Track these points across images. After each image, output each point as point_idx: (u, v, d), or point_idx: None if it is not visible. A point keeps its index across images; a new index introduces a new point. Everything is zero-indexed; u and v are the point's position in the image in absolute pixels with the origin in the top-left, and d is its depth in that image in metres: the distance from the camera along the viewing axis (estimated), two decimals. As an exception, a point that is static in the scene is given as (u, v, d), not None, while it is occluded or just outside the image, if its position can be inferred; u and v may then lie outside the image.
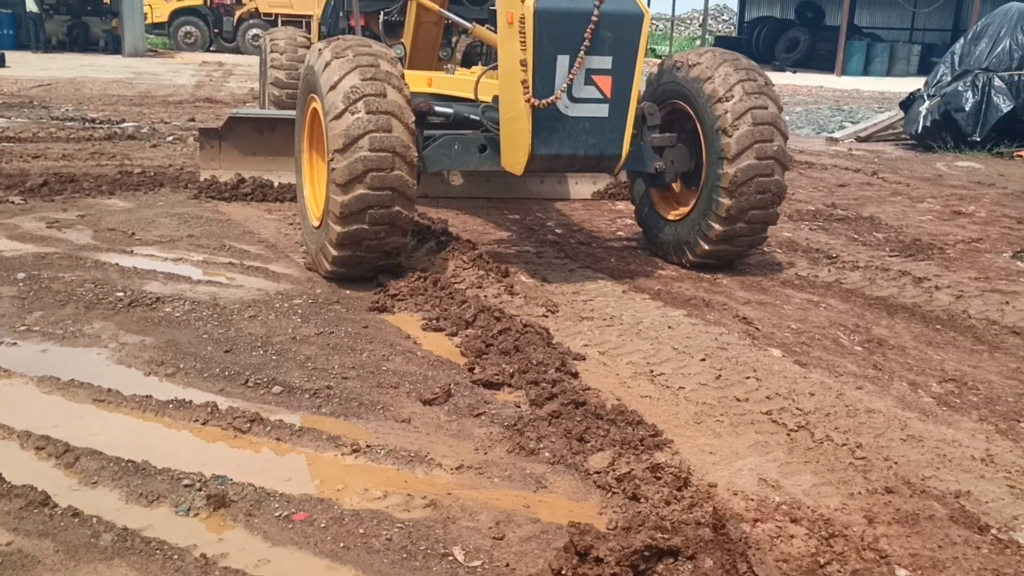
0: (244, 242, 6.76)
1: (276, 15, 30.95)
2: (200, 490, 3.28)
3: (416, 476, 3.52)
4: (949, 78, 14.71)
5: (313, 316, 5.23)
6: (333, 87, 5.37)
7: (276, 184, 8.29)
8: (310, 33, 10.78)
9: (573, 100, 5.47)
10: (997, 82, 14.17)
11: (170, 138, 11.64)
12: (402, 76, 5.55)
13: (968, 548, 3.17)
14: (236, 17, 31.78)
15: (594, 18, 5.30)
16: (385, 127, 5.29)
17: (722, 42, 38.80)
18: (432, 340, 4.98)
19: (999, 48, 14.42)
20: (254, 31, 31.30)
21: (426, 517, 3.22)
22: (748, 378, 4.60)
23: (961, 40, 15.45)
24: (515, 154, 5.66)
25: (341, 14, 9.26)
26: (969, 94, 14.27)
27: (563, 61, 5.35)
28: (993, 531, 3.28)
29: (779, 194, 6.20)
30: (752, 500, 3.41)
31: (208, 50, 31.83)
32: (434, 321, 5.19)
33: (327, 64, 5.51)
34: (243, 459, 3.60)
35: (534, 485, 3.49)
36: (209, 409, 3.90)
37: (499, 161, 5.92)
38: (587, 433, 3.83)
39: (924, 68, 28.70)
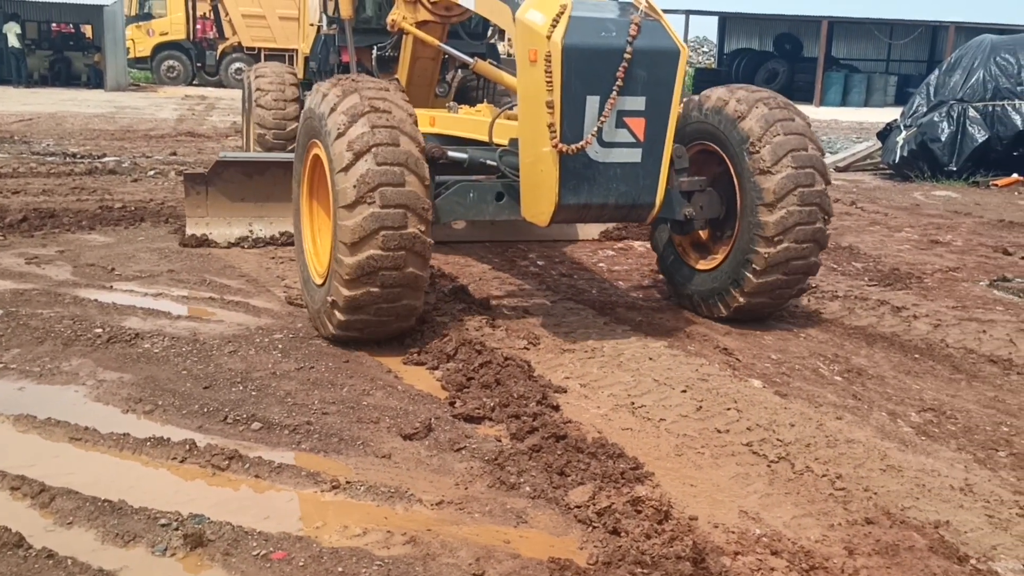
0: (225, 276, 6.74)
1: (259, 49, 31.01)
2: (177, 529, 3.24)
3: (396, 512, 3.50)
4: (925, 108, 14.92)
5: (293, 351, 5.21)
6: (340, 134, 4.93)
7: (268, 235, 7.79)
8: (294, 68, 10.39)
9: (604, 145, 5.07)
10: (972, 112, 14.38)
11: (151, 172, 11.64)
12: (415, 122, 5.13)
13: (948, 579, 3.17)
14: (219, 51, 31.86)
15: (627, 55, 4.91)
16: (397, 180, 4.84)
17: (702, 74, 39.22)
18: (413, 374, 4.97)
19: (973, 79, 14.65)
20: (237, 65, 31.38)
21: (406, 554, 3.19)
22: (729, 409, 4.61)
23: (936, 71, 15.70)
24: (538, 203, 5.23)
25: (332, 49, 8.78)
26: (945, 124, 14.47)
27: (593, 102, 4.96)
28: (972, 561, 3.29)
29: (821, 243, 5.76)
30: (733, 533, 3.41)
31: (191, 84, 31.91)
32: (415, 355, 5.18)
33: (333, 108, 5.06)
34: (221, 497, 3.57)
35: (515, 520, 3.47)
36: (187, 447, 3.87)
37: (518, 210, 5.46)
38: (568, 467, 3.83)
39: (901, 99, 29.12)
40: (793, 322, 6.28)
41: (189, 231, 7.66)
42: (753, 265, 5.70)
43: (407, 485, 3.69)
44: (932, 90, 15.15)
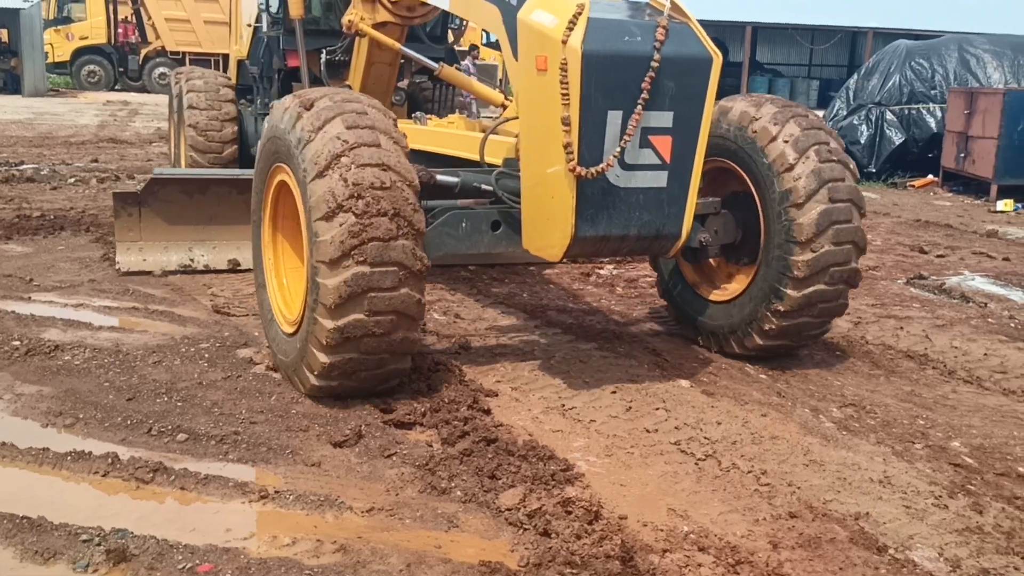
0: (149, 286, 6.60)
1: (184, 54, 30.43)
2: (99, 545, 3.17)
3: (326, 520, 3.47)
4: (845, 112, 15.35)
5: (220, 360, 5.13)
6: (320, 175, 4.17)
7: (212, 263, 6.96)
8: (228, 76, 9.68)
9: (626, 167, 4.42)
10: (889, 115, 14.84)
11: (71, 180, 11.33)
12: (407, 153, 4.41)
13: (868, 569, 3.27)
14: (142, 55, 31.15)
15: (654, 63, 4.29)
16: (389, 233, 4.13)
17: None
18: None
19: (890, 83, 15.12)
20: (161, 70, 30.75)
21: (336, 562, 3.17)
22: (657, 409, 4.68)
23: (855, 76, 16.15)
24: (548, 235, 4.58)
25: (276, 53, 7.99)
26: (863, 127, 14.91)
27: (615, 118, 4.33)
28: (891, 551, 3.39)
29: (853, 283, 5.22)
30: (661, 531, 3.46)
31: (113, 89, 31.12)
32: (345, 362, 5.15)
33: (308, 138, 4.29)
34: (145, 511, 3.50)
35: (446, 525, 3.47)
36: (110, 460, 3.79)
37: (518, 241, 4.83)
38: (499, 470, 3.84)
39: (823, 102, 29.83)
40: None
41: (120, 259, 6.81)
42: (777, 305, 5.10)
43: (337, 493, 3.67)
44: (851, 94, 15.59)
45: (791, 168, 5.01)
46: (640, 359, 5.46)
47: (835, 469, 4.06)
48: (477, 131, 5.88)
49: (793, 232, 4.99)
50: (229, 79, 9.34)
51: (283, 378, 4.77)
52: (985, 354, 5.90)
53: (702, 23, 4.65)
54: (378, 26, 6.53)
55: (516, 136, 5.00)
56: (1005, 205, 12.43)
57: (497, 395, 4.78)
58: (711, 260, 5.59)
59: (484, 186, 5.05)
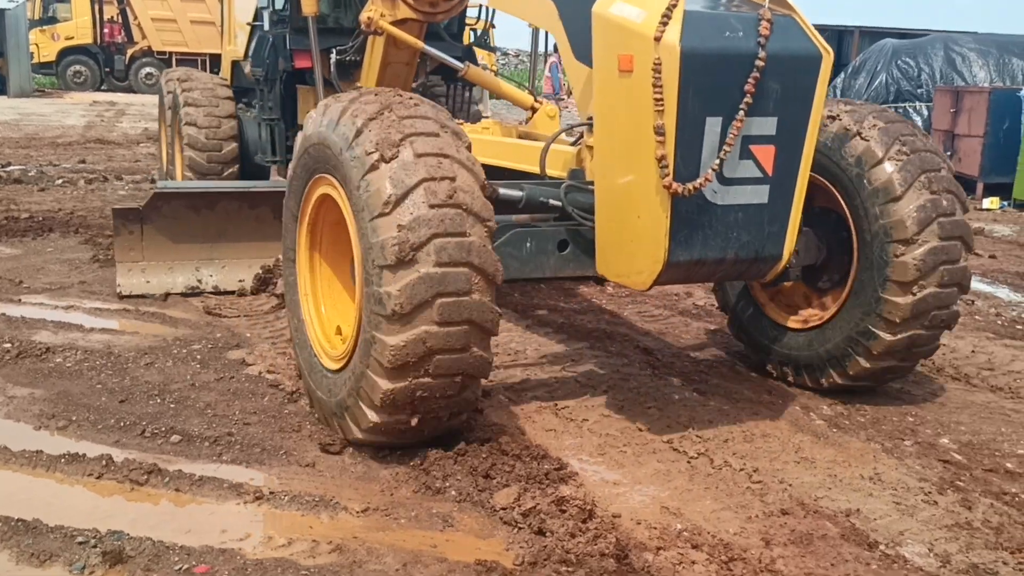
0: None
1: (170, 53, 30.29)
2: (95, 547, 3.17)
3: (321, 521, 3.48)
4: (832, 111, 15.41)
5: (213, 361, 5.13)
6: (374, 167, 3.64)
7: (222, 284, 6.49)
8: (209, 72, 9.72)
9: (724, 182, 3.96)
10: (876, 114, 14.90)
11: (59, 181, 11.29)
12: (470, 147, 3.89)
13: (859, 565, 3.31)
14: (128, 55, 31.00)
15: (759, 62, 3.83)
16: (457, 228, 3.59)
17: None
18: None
19: (876, 82, 15.21)
20: (147, 70, 30.62)
21: (332, 563, 3.18)
22: (650, 408, 4.70)
23: (842, 74, 16.23)
24: (633, 260, 4.09)
25: (281, 53, 7.41)
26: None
27: (714, 126, 3.86)
28: (881, 547, 3.43)
29: (951, 326, 4.75)
30: (655, 528, 3.49)
31: (99, 89, 30.95)
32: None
33: (357, 132, 3.75)
34: (140, 512, 3.50)
35: (441, 524, 3.49)
36: (104, 462, 3.78)
37: (591, 264, 4.35)
38: (492, 470, 3.86)
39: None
40: (711, 320, 6.42)
41: (122, 281, 6.28)
42: (867, 346, 4.62)
43: (332, 493, 3.68)
44: (838, 93, 15.67)
45: (897, 199, 4.46)
46: (631, 358, 5.49)
47: (826, 466, 4.10)
48: (514, 137, 5.58)
49: (893, 270, 4.47)
50: (225, 80, 8.96)
51: (320, 420, 4.27)
52: (972, 351, 5.95)
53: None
54: (398, 23, 6.09)
55: (575, 144, 4.63)
56: (991, 203, 12.52)
57: (490, 395, 4.79)
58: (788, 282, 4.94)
59: (552, 201, 4.41)
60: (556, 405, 4.70)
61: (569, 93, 22.18)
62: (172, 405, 4.49)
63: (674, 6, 3.76)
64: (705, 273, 4.29)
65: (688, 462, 4.10)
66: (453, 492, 3.72)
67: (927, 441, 4.43)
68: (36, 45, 30.53)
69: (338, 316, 4.39)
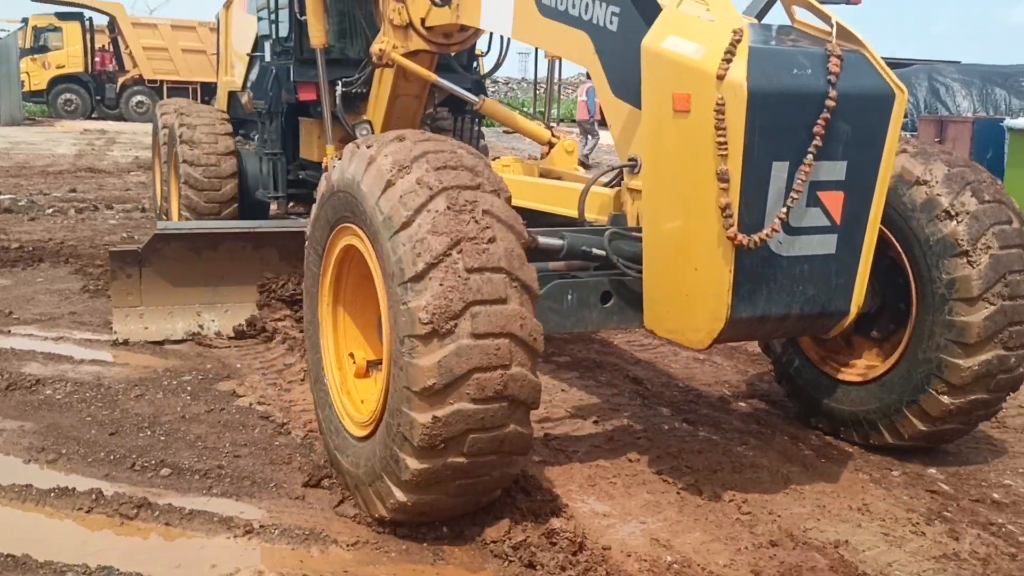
0: (130, 318, 6.59)
1: (161, 82, 30.47)
2: (85, 582, 3.17)
3: (312, 555, 3.48)
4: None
5: (203, 393, 5.13)
6: (406, 224, 3.28)
7: (225, 330, 6.19)
8: (221, 108, 8.87)
9: (790, 231, 3.66)
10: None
11: (49, 210, 11.30)
12: (510, 199, 3.51)
13: (848, 596, 3.32)
14: (119, 84, 31.15)
15: (829, 102, 3.54)
16: (496, 295, 3.24)
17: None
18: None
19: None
20: (138, 98, 30.74)
21: (322, 597, 3.18)
22: (639, 438, 4.72)
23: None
24: (689, 316, 3.79)
25: (284, 85, 7.12)
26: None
27: (780, 171, 3.57)
28: (870, 578, 3.44)
29: (1016, 387, 4.47)
30: (645, 561, 3.50)
31: (90, 117, 31.03)
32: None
33: (387, 184, 3.41)
34: (130, 547, 3.50)
35: (432, 558, 3.50)
36: (93, 496, 3.78)
37: (636, 317, 4.05)
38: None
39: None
40: (699, 350, 6.45)
41: (118, 327, 5.98)
42: (925, 407, 4.33)
43: (322, 526, 3.68)
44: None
45: (964, 254, 4.17)
46: (621, 388, 5.51)
47: (815, 497, 4.12)
48: (536, 175, 5.42)
49: (957, 331, 4.18)
50: (226, 115, 8.68)
51: (345, 488, 3.90)
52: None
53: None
54: (410, 55, 5.92)
55: (612, 185, 4.38)
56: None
57: (480, 426, 4.80)
58: None
59: (595, 250, 4.02)
60: (546, 436, 4.72)
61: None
62: (162, 437, 4.49)
63: (738, 41, 3.46)
64: (768, 330, 4.01)
65: (678, 493, 4.11)
66: (444, 525, 3.72)
67: (914, 471, 4.46)
68: (27, 74, 30.64)
69: (367, 379, 4.11)
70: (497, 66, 7.01)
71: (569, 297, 4.01)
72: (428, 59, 6.04)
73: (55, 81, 31.14)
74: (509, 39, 6.37)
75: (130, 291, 6.00)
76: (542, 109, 7.71)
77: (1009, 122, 13.55)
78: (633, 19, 3.96)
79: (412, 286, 3.22)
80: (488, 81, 7.91)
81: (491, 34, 6.34)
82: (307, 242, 4.20)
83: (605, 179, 4.60)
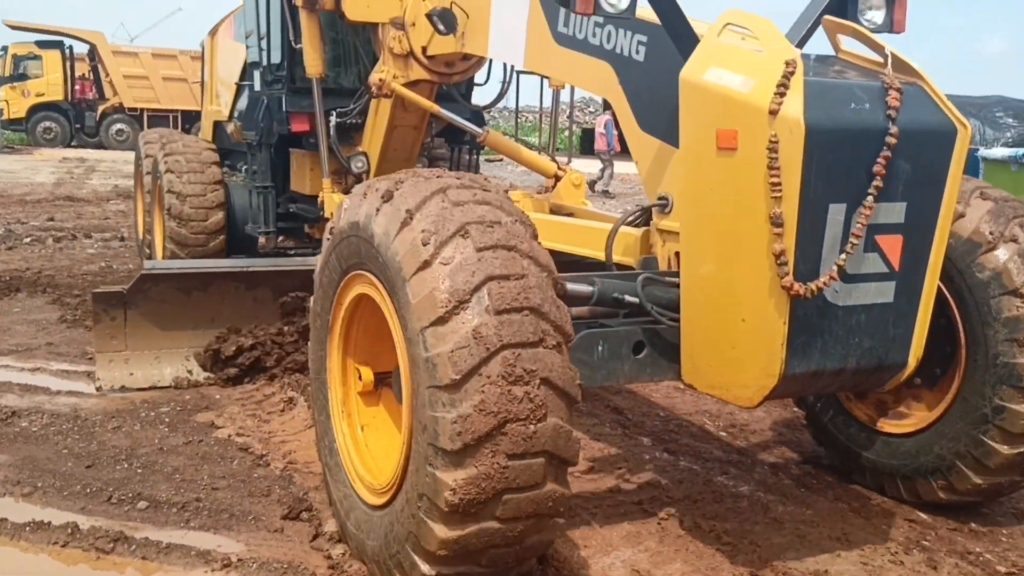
0: (107, 348, 6.54)
1: (142, 110, 30.45)
2: (59, 619, 3.13)
3: (290, 589, 3.45)
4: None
5: (181, 424, 5.10)
6: (426, 265, 3.00)
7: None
8: (206, 138, 8.64)
9: (847, 279, 3.38)
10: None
11: (27, 239, 11.23)
12: (535, 235, 3.21)
13: (828, 627, 3.32)
14: (99, 112, 31.10)
15: (890, 139, 3.28)
16: (531, 338, 2.94)
17: (587, 133, 40.36)
18: (308, 435, 4.93)
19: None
20: (118, 126, 30.70)
21: (301, 632, 3.15)
22: (620, 468, 4.72)
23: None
24: (736, 372, 3.49)
25: (275, 116, 6.87)
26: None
27: (837, 214, 3.30)
28: (850, 608, 3.45)
29: None
30: (625, 592, 3.49)
31: (69, 146, 30.94)
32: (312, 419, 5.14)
33: (402, 223, 3.12)
34: (106, 582, 3.46)
35: (411, 591, 3.47)
36: (69, 530, 3.74)
37: (672, 369, 3.75)
38: (463, 533, 3.82)
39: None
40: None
41: (101, 375, 5.61)
42: (979, 459, 4.05)
43: (300, 559, 3.65)
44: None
45: (1015, 291, 3.93)
46: (602, 417, 5.52)
47: (794, 527, 4.13)
48: (546, 211, 5.17)
49: (1013, 375, 3.92)
50: (211, 143, 8.44)
51: (354, 556, 3.61)
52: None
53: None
54: (409, 84, 5.72)
55: (638, 225, 4.04)
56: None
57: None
58: None
59: (628, 297, 3.66)
60: (527, 466, 4.70)
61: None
62: (139, 470, 4.45)
63: (791, 73, 3.20)
64: (821, 386, 3.67)
65: (658, 523, 4.11)
66: None
67: (893, 501, 4.48)
68: (6, 101, 30.56)
69: (380, 438, 3.79)
70: (500, 96, 6.68)
71: (600, 348, 3.64)
72: (428, 89, 5.85)
73: (34, 109, 31.04)
74: (512, 69, 6.32)
75: (114, 335, 5.68)
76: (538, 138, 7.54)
77: (983, 152, 13.76)
78: (663, 49, 3.73)
79: (435, 331, 2.91)
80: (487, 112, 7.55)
81: (490, 63, 6.23)
82: (314, 292, 3.88)
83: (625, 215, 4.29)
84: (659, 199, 3.84)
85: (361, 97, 6.12)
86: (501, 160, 23.98)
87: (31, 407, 5.23)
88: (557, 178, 6.00)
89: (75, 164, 23.91)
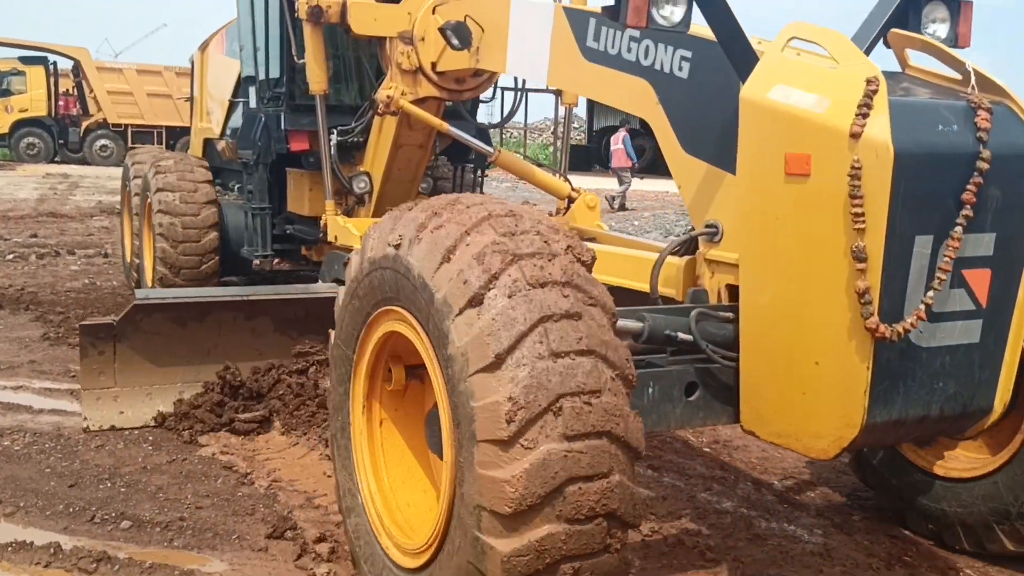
0: (91, 366, 6.51)
1: (126, 126, 30.41)
2: (41, 640, 3.11)
3: (274, 608, 3.45)
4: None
5: (165, 443, 5.08)
6: (474, 301, 2.68)
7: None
8: (166, 146, 9.06)
9: (932, 318, 3.07)
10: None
11: (10, 256, 11.18)
12: (590, 267, 2.90)
13: (810, 643, 3.34)
14: (83, 128, 31.03)
15: (981, 164, 3.02)
16: (590, 385, 2.63)
17: (574, 150, 40.52)
18: (292, 453, 4.92)
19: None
20: (102, 142, 30.63)
21: (285, 652, 3.15)
22: (604, 485, 4.73)
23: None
24: (809, 419, 3.14)
25: (274, 134, 6.57)
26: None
27: (923, 246, 3.01)
28: (832, 624, 3.47)
29: None
30: (610, 610, 3.49)
31: (52, 161, 30.84)
32: (296, 436, 5.13)
33: (447, 253, 2.81)
34: (89, 603, 3.44)
35: (395, 609, 3.47)
36: (52, 550, 3.72)
37: (728, 413, 3.41)
38: (448, 552, 3.81)
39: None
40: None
41: (89, 414, 5.18)
42: None
43: (285, 579, 3.65)
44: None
45: None
46: (586, 434, 5.53)
47: (777, 543, 4.16)
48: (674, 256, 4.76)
49: None
50: (204, 163, 8.12)
51: None
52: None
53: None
54: (417, 102, 5.53)
55: (681, 253, 3.70)
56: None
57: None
58: None
59: (681, 334, 3.30)
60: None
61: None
62: (123, 489, 4.44)
63: (874, 92, 2.92)
64: (901, 435, 3.41)
65: (642, 540, 4.13)
66: None
67: (875, 516, 4.52)
68: (-12, 117, 30.45)
69: (412, 491, 3.44)
70: (511, 115, 6.36)
71: (650, 390, 3.29)
72: (435, 106, 5.65)
73: (18, 125, 30.95)
74: (524, 85, 6.11)
75: (102, 370, 5.21)
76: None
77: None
78: (711, 65, 3.48)
79: (484, 377, 2.59)
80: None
81: (496, 80, 6.02)
82: (336, 330, 3.55)
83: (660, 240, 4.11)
84: (707, 226, 3.52)
85: (364, 114, 5.89)
86: (500, 179, 24.01)
87: (13, 426, 5.20)
88: (571, 199, 5.78)
89: (58, 180, 23.83)
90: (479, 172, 7.37)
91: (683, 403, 3.33)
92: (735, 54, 3.32)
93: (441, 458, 2.94)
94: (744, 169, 3.26)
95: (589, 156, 38.24)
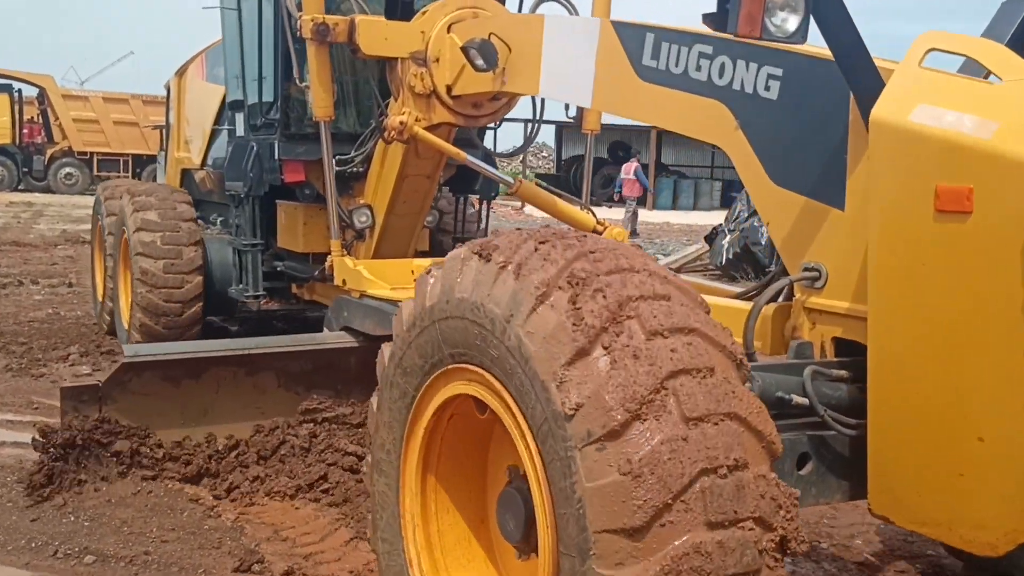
0: (54, 398, 6.37)
1: (92, 154, 30.19)
2: None
3: (241, 643, 3.41)
4: (746, 213, 16.03)
5: (130, 474, 5.00)
6: (580, 355, 2.22)
7: None
8: (132, 175, 8.79)
9: None
10: (788, 217, 15.53)
11: (-28, 286, 11.03)
12: (710, 311, 2.50)
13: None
14: (47, 156, 30.74)
15: None
16: (733, 460, 2.18)
17: (541, 178, 40.80)
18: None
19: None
20: (67, 170, 30.35)
21: None
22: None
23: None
24: (969, 507, 2.58)
25: (266, 163, 6.03)
26: (763, 229, 15.59)
27: None
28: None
29: None
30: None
31: (16, 189, 30.49)
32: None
33: (540, 297, 2.34)
34: (51, 640, 3.38)
35: (364, 643, 3.44)
36: (13, 587, 3.66)
37: (844, 490, 2.95)
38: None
39: (726, 202, 31.08)
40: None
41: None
42: None
43: (252, 613, 3.61)
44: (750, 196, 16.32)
45: None
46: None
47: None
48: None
49: None
50: (187, 198, 7.45)
51: None
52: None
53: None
54: (430, 128, 5.16)
55: (771, 299, 3.18)
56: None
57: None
58: None
59: (795, 397, 2.79)
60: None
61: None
62: (86, 523, 4.37)
63: None
64: None
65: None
66: (377, 608, 3.68)
67: (842, 543, 4.55)
68: (-49, 146, 30.10)
69: (466, 563, 2.99)
70: (529, 142, 6.05)
71: None
72: (447, 132, 5.27)
73: (-20, 153, 30.64)
74: (542, 108, 5.78)
75: None
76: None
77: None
78: (806, 83, 3.07)
79: (597, 453, 2.11)
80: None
81: (514, 105, 5.59)
82: (379, 393, 3.03)
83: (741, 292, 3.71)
84: (807, 270, 3.08)
85: (365, 142, 5.50)
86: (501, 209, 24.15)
87: (-26, 459, 5.12)
88: (597, 231, 5.35)
89: (22, 208, 23.55)
90: (485, 204, 6.98)
91: (794, 477, 2.79)
92: (856, 70, 2.82)
93: (517, 549, 2.62)
94: (882, 202, 2.71)
95: (559, 184, 38.64)
